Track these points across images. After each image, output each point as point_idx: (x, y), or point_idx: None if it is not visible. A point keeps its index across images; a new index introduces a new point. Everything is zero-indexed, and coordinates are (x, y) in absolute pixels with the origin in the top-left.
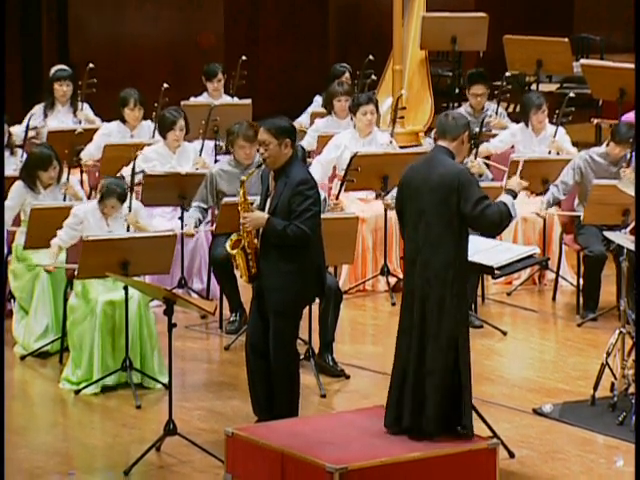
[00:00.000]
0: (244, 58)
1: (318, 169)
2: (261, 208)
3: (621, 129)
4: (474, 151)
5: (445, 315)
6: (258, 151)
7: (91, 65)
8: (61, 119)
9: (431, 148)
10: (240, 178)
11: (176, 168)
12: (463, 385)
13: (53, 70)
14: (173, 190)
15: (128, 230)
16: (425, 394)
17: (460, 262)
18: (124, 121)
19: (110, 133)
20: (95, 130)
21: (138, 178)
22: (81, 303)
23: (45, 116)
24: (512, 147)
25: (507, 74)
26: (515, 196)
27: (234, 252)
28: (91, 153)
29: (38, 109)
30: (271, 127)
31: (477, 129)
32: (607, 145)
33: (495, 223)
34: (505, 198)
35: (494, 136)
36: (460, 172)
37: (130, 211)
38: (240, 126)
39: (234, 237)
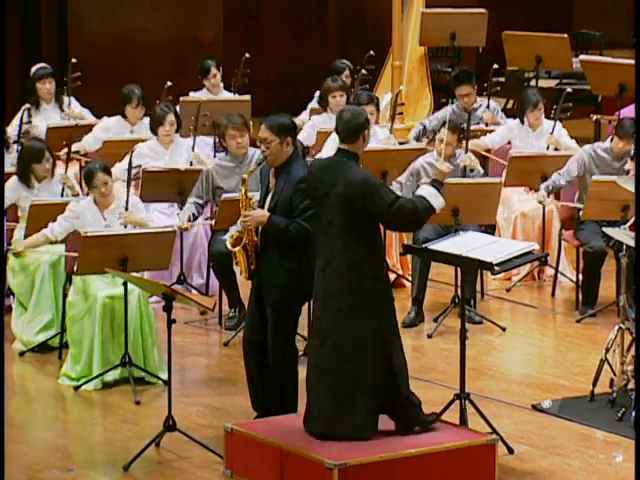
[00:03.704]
0: (247, 55)
1: None
2: (261, 205)
3: (625, 124)
4: (464, 145)
5: (369, 319)
6: (260, 147)
7: (74, 60)
8: (49, 116)
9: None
10: (236, 172)
11: (170, 164)
12: (399, 385)
13: (33, 70)
14: (172, 186)
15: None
16: (355, 397)
17: (375, 265)
18: (125, 116)
19: (109, 128)
20: (91, 125)
21: (134, 173)
22: (81, 298)
23: (29, 116)
24: (509, 143)
25: (495, 66)
26: (441, 185)
27: (235, 250)
28: (89, 144)
29: (22, 111)
30: (273, 125)
31: (465, 124)
32: (611, 140)
33: (412, 221)
34: (425, 190)
35: (485, 132)
36: (365, 180)
37: (127, 209)
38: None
39: (235, 234)
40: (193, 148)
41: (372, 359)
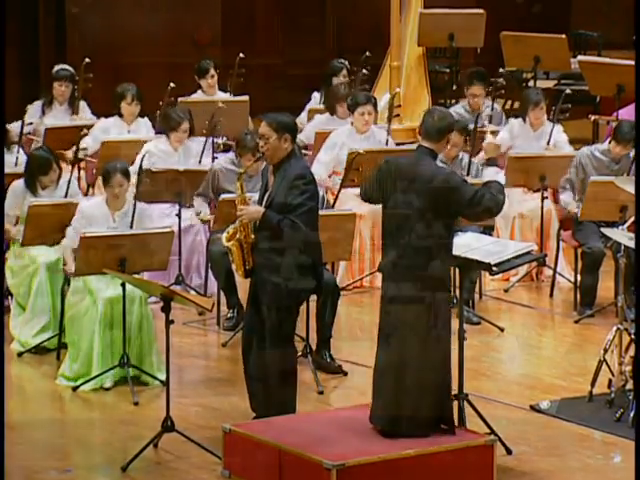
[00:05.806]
0: (242, 55)
1: (319, 169)
2: (259, 202)
3: (623, 128)
4: (469, 145)
5: (434, 318)
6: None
7: (87, 60)
8: (59, 118)
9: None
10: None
11: (180, 165)
12: (447, 383)
13: (55, 69)
14: (171, 186)
15: None
16: (414, 396)
17: (447, 265)
18: (121, 115)
19: (108, 129)
20: (90, 125)
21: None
22: (80, 299)
23: (43, 114)
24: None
25: (501, 70)
26: (497, 161)
27: (230, 244)
28: (88, 144)
29: (35, 105)
30: (272, 121)
31: (472, 125)
32: (609, 142)
33: (493, 207)
34: (491, 172)
35: (490, 132)
36: (447, 177)
37: (132, 224)
38: (251, 140)
39: (231, 230)
40: (202, 152)
41: (437, 358)
